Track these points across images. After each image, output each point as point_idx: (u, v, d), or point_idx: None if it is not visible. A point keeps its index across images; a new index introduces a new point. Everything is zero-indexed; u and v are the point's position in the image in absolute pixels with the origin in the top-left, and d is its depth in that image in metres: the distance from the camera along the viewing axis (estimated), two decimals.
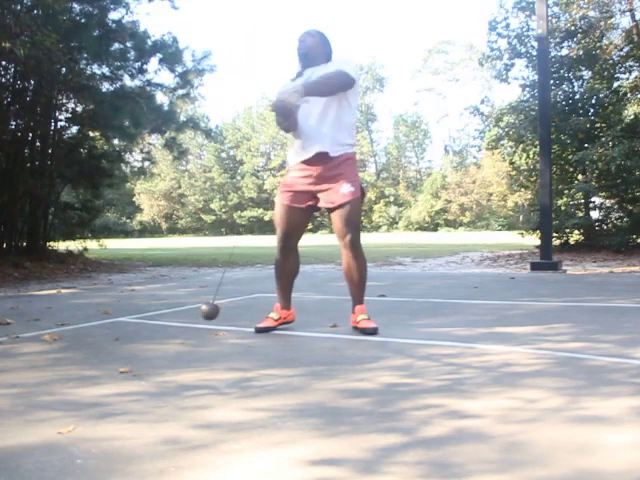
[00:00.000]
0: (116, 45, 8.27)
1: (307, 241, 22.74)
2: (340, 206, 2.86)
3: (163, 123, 9.42)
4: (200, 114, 35.99)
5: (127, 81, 8.95)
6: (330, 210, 2.91)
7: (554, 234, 9.40)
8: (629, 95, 10.73)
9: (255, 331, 2.98)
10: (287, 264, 3.03)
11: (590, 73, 10.88)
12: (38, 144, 8.84)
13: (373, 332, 2.84)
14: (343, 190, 2.85)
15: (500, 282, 5.54)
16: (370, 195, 49.16)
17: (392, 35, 76.36)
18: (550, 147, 7.61)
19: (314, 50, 2.97)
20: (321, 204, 2.92)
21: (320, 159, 2.87)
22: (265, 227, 50.65)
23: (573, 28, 10.57)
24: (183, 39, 37.31)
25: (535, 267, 6.78)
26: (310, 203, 2.94)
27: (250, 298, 4.52)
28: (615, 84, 10.93)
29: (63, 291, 5.46)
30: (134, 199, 49.44)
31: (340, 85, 2.81)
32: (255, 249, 15.39)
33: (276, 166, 51.68)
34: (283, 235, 2.97)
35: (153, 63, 9.05)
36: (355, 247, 2.91)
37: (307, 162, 2.90)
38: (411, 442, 1.40)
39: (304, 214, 2.98)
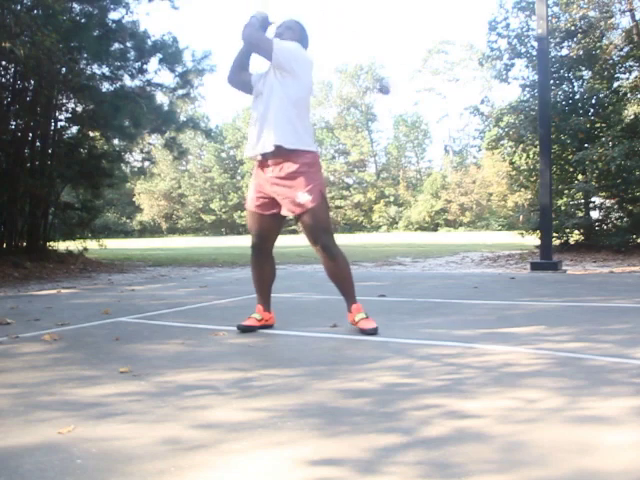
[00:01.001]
0: (116, 45, 8.27)
1: (307, 241, 22.67)
2: (301, 215, 2.83)
3: (163, 123, 9.42)
4: (200, 114, 36.01)
5: (127, 81, 8.97)
6: (296, 217, 2.89)
7: (554, 234, 9.40)
8: (629, 95, 10.72)
9: (238, 329, 2.99)
10: (263, 272, 3.04)
11: (590, 73, 10.87)
12: (38, 144, 8.84)
13: (373, 332, 2.81)
14: (300, 200, 2.79)
15: (500, 282, 5.54)
16: (370, 195, 49.18)
17: (392, 35, 76.39)
18: (550, 147, 7.61)
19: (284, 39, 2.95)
20: (284, 212, 2.90)
21: (274, 154, 2.81)
22: None
23: (573, 28, 10.57)
24: (183, 39, 37.33)
25: (535, 267, 6.78)
26: (274, 211, 2.94)
27: (250, 298, 4.50)
28: (615, 84, 10.92)
29: (63, 291, 5.45)
30: (134, 199, 49.42)
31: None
32: None
33: None
34: (256, 239, 2.99)
35: (153, 63, 9.07)
36: (328, 250, 2.87)
37: (264, 157, 2.86)
38: (411, 442, 1.40)
39: (272, 220, 2.97)
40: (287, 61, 2.82)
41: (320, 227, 2.85)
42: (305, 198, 2.78)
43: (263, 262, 3.03)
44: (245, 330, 2.99)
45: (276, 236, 3.04)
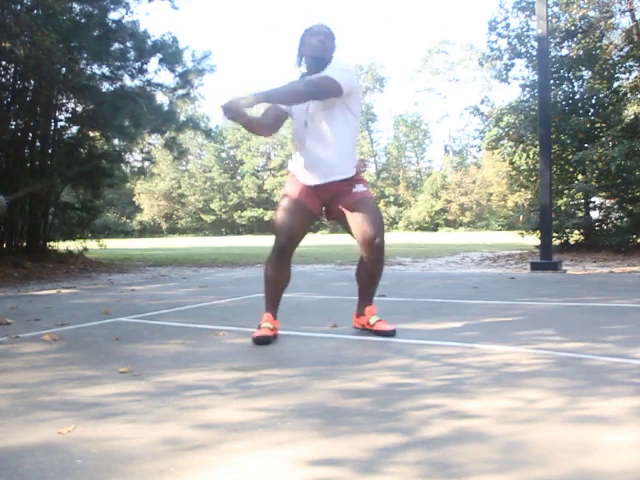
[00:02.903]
0: (116, 45, 8.27)
1: (307, 241, 22.66)
2: (359, 204, 2.68)
3: (163, 123, 9.42)
4: (200, 114, 36.03)
5: (127, 81, 8.96)
6: (344, 213, 2.72)
7: (554, 234, 9.40)
8: (629, 95, 10.73)
9: (255, 342, 2.68)
10: (281, 276, 2.79)
11: (590, 73, 10.88)
12: (38, 144, 8.85)
13: (392, 334, 2.73)
14: (357, 189, 2.71)
15: (500, 282, 5.54)
16: None
17: (392, 35, 76.43)
18: (550, 147, 7.61)
19: (329, 55, 2.72)
20: (336, 207, 2.75)
21: (332, 183, 2.73)
22: (265, 227, 50.58)
23: (573, 28, 10.57)
24: (183, 39, 37.32)
25: (535, 267, 6.78)
26: (317, 209, 2.78)
27: (250, 298, 4.52)
28: (615, 84, 10.93)
29: (63, 291, 5.45)
30: (134, 199, 49.44)
31: (315, 93, 2.58)
32: (255, 249, 15.40)
33: (276, 166, 51.67)
34: (285, 238, 2.71)
35: (153, 63, 9.07)
36: (382, 251, 2.71)
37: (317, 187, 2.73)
38: (411, 442, 1.40)
39: (307, 218, 2.78)
40: (351, 86, 2.67)
41: (379, 221, 2.72)
42: (361, 188, 2.73)
43: (282, 266, 2.76)
44: (263, 342, 2.67)
45: (301, 239, 2.82)
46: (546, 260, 6.81)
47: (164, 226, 51.96)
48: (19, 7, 6.99)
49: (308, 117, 2.71)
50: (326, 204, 2.79)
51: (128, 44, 8.46)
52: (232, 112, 2.50)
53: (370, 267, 2.77)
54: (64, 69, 7.88)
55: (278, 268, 2.77)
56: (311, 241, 22.19)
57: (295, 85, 2.60)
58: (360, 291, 2.90)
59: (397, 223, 48.44)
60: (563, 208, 10.53)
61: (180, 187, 52.11)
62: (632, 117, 10.64)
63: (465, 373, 2.06)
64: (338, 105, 2.68)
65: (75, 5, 7.94)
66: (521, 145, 11.23)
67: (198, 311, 3.89)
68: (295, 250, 2.81)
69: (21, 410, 1.72)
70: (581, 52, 10.56)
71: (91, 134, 9.48)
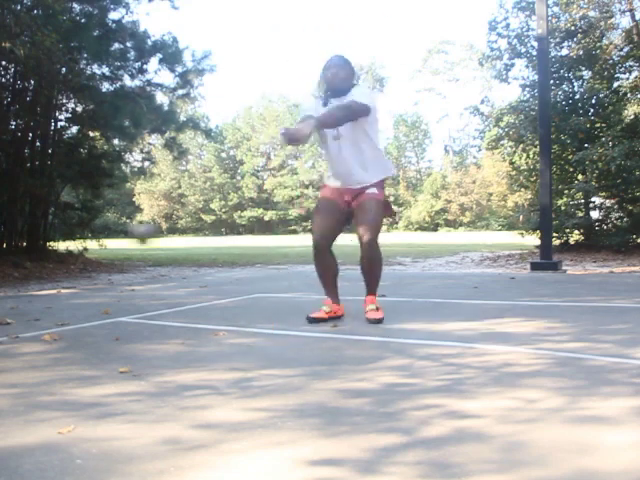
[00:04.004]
0: (116, 45, 8.27)
1: (307, 241, 22.68)
2: (363, 203, 3.11)
3: (163, 123, 9.41)
4: (200, 114, 36.00)
5: (127, 81, 8.96)
6: (354, 211, 3.17)
7: (554, 234, 9.39)
8: (629, 95, 10.73)
9: (308, 321, 3.16)
10: (325, 266, 3.27)
11: (590, 73, 10.87)
12: (38, 144, 8.84)
13: (378, 322, 3.10)
14: (369, 191, 3.14)
15: (500, 282, 5.53)
16: None
17: (392, 35, 76.43)
18: (550, 147, 7.61)
19: (346, 83, 3.13)
20: (353, 205, 3.19)
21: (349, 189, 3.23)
22: (265, 227, 50.61)
23: (573, 28, 10.57)
24: (183, 39, 37.33)
25: (535, 267, 6.78)
26: (343, 204, 3.22)
27: (250, 298, 4.52)
28: (615, 84, 10.93)
29: (63, 291, 5.45)
30: (134, 199, 49.43)
31: (352, 115, 2.98)
32: (255, 249, 15.40)
33: (276, 166, 51.67)
34: (317, 236, 3.19)
35: (153, 63, 9.06)
36: (372, 249, 3.15)
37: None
38: (411, 442, 1.40)
39: (338, 212, 3.22)
40: (374, 105, 3.08)
41: (376, 220, 3.12)
42: (374, 191, 3.17)
43: (323, 257, 3.22)
44: (313, 321, 3.15)
45: (336, 234, 3.27)
46: (546, 260, 6.81)
47: (164, 226, 51.92)
48: (19, 7, 6.99)
49: (337, 134, 3.11)
50: (349, 202, 3.21)
51: (128, 44, 8.46)
52: (293, 139, 2.76)
53: (362, 263, 3.18)
54: (64, 69, 7.87)
55: (320, 260, 3.23)
56: (310, 241, 22.16)
57: (335, 111, 2.96)
58: (365, 282, 3.26)
59: (397, 223, 48.45)
60: (563, 208, 10.52)
61: (180, 187, 52.09)
62: (632, 117, 10.63)
63: (465, 373, 2.06)
64: (361, 123, 3.06)
65: (75, 5, 7.94)
66: (521, 145, 11.23)
67: (198, 311, 3.89)
68: (333, 243, 3.25)
69: (21, 410, 1.72)
70: (581, 52, 10.56)
71: (91, 134, 9.47)
